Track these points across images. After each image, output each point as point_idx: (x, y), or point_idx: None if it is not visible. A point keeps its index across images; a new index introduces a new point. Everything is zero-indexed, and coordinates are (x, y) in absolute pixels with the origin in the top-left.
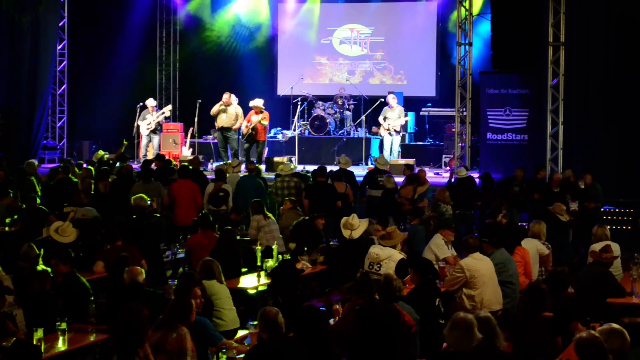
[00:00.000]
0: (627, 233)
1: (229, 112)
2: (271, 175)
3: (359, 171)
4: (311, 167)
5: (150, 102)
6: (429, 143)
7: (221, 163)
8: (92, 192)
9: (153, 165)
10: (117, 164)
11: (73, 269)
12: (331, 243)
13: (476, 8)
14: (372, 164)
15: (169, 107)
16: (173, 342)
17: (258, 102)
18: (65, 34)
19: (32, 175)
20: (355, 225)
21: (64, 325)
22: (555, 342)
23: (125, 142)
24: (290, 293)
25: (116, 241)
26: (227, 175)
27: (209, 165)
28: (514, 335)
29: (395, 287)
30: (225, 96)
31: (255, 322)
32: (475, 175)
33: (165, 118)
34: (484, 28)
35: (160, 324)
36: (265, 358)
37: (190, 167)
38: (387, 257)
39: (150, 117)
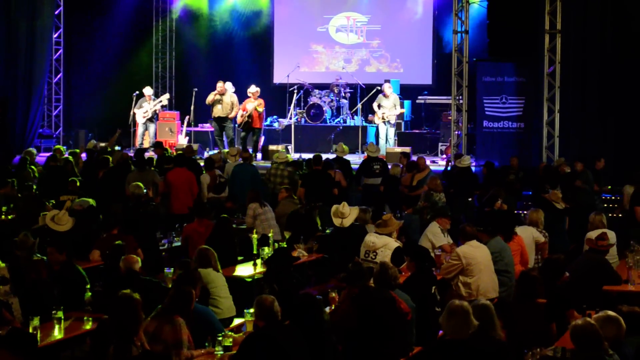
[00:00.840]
0: (623, 221)
1: (224, 101)
2: (268, 164)
3: (356, 159)
4: (307, 156)
5: (147, 91)
6: (425, 131)
7: (216, 151)
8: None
9: (153, 154)
10: (117, 148)
11: (69, 257)
12: (327, 231)
13: None
14: None
15: (167, 95)
16: (168, 333)
17: (255, 89)
18: (61, 22)
19: (31, 164)
20: (346, 214)
21: (60, 314)
22: (550, 329)
23: (119, 130)
24: (286, 281)
25: (112, 230)
26: (227, 163)
27: (205, 154)
28: (508, 323)
29: (391, 275)
30: (220, 84)
31: (252, 310)
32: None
33: (162, 107)
34: (481, 15)
35: (156, 314)
36: (261, 346)
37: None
38: (383, 245)
39: (147, 105)
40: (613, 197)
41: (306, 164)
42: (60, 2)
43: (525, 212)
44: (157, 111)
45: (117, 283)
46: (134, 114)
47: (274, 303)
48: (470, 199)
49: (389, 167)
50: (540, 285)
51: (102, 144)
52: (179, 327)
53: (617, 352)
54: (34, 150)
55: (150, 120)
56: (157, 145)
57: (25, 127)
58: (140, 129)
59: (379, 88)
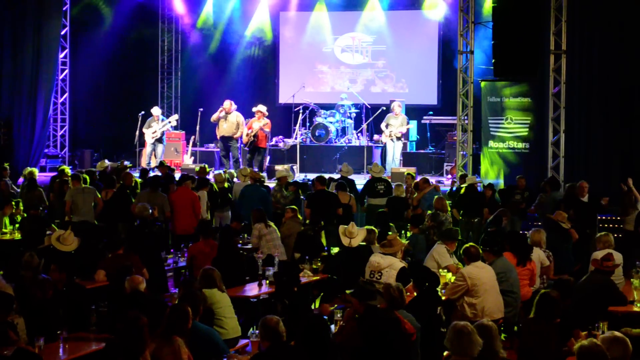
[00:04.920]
0: (628, 240)
1: (229, 120)
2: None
3: (361, 179)
4: (312, 176)
5: (156, 111)
6: (430, 151)
7: (221, 171)
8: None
9: (158, 172)
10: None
11: (70, 277)
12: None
13: (478, 16)
14: None
15: (176, 116)
16: (168, 354)
17: (262, 108)
18: (67, 43)
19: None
20: (354, 234)
21: (65, 334)
22: (563, 350)
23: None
24: (297, 297)
25: (118, 249)
26: (236, 182)
27: (210, 174)
28: (523, 343)
29: (396, 295)
30: (226, 103)
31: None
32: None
33: (172, 127)
34: (486, 36)
35: (154, 335)
36: None
37: (197, 177)
38: (388, 265)
39: (156, 125)
40: (619, 218)
41: (312, 184)
42: (66, 22)
43: (528, 232)
44: (164, 132)
45: (122, 303)
46: (142, 134)
47: (279, 324)
48: (475, 220)
49: (399, 188)
50: (559, 306)
51: (111, 164)
52: (178, 348)
53: None
54: (36, 170)
55: (159, 140)
56: (162, 165)
57: (31, 147)
58: (148, 149)
59: (385, 108)
